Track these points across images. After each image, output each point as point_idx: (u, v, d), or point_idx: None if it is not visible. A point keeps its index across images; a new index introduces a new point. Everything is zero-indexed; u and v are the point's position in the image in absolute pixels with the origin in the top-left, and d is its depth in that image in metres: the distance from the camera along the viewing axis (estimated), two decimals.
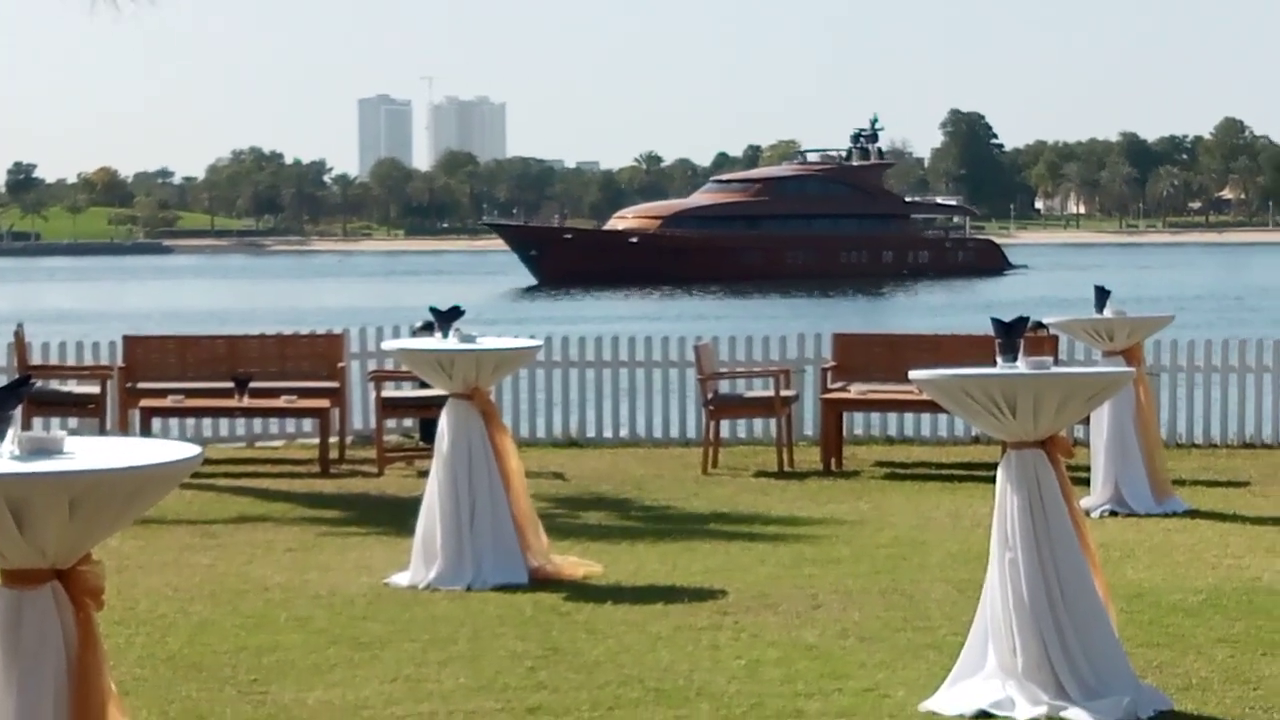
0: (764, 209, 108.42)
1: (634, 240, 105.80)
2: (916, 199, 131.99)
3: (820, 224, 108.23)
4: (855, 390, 17.47)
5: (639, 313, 71.07)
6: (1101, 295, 14.88)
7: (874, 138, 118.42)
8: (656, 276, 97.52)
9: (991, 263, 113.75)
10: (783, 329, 21.28)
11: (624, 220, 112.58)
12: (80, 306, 77.54)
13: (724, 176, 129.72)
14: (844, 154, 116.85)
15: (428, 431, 17.17)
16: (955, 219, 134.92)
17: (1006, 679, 8.21)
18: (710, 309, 74.92)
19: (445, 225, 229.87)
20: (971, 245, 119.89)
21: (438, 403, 12.38)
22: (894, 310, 76.63)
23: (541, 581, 11.36)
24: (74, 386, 17.61)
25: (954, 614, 10.04)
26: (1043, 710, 8.08)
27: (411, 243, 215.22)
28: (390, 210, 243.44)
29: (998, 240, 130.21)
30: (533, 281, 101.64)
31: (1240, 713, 8.24)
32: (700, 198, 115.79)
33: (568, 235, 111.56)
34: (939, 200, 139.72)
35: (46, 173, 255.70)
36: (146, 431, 16.87)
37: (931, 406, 16.83)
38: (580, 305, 79.39)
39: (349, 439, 18.19)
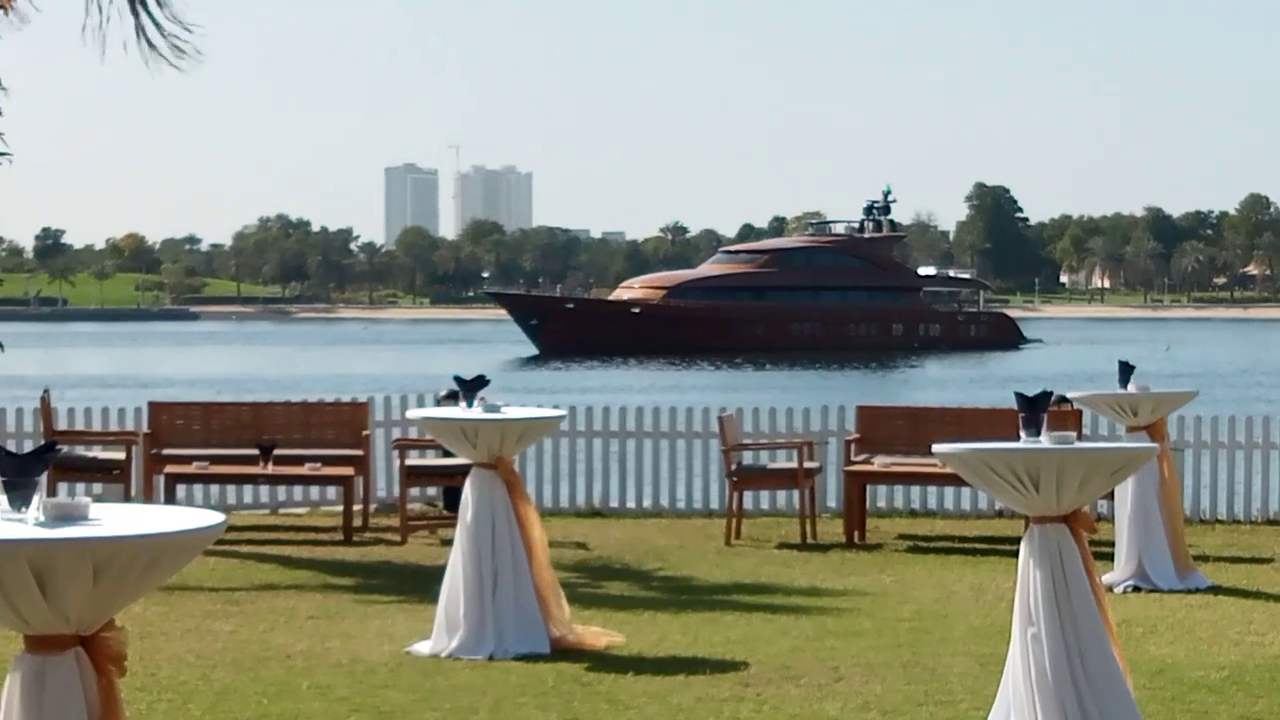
0: (771, 280, 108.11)
1: (636, 310, 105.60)
2: (931, 272, 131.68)
3: (828, 296, 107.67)
4: (878, 463, 17.45)
5: (629, 384, 70.29)
6: (1125, 370, 14.86)
7: (886, 209, 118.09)
8: (658, 347, 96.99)
9: (1005, 336, 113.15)
10: (781, 401, 21.27)
11: (630, 290, 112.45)
12: (106, 372, 77.76)
13: (732, 248, 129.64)
14: (856, 226, 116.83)
15: (451, 500, 17.20)
16: (971, 292, 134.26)
17: None
18: (711, 381, 74.49)
19: (471, 294, 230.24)
20: (985, 319, 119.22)
21: (462, 471, 12.39)
22: (900, 384, 75.91)
23: (563, 651, 11.36)
24: (99, 452, 17.66)
25: (976, 688, 10.03)
26: None
27: (437, 311, 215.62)
28: (416, 278, 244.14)
29: (1018, 314, 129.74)
30: (534, 351, 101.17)
31: None
32: (707, 268, 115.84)
33: (569, 305, 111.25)
34: (953, 274, 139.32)
35: (74, 238, 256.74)
36: (171, 498, 16.92)
37: (955, 480, 16.82)
38: (574, 376, 78.52)
39: (373, 507, 18.20)
